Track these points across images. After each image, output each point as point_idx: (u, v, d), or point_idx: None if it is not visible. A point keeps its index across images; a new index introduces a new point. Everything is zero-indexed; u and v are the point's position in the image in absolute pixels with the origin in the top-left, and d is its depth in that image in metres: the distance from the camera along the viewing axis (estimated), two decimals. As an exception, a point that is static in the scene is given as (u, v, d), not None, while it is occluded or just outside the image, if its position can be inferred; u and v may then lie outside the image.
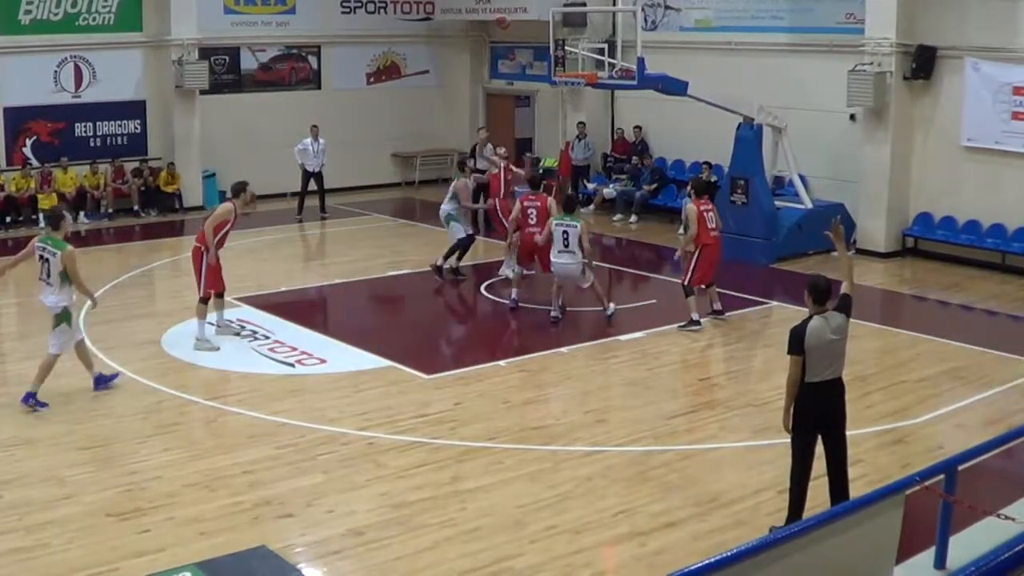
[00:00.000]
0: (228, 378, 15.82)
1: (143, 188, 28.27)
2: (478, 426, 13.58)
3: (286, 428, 13.61)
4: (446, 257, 21.14)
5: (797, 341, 10.27)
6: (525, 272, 19.66)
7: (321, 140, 27.66)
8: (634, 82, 23.05)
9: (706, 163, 25.89)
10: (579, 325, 18.56)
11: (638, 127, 28.78)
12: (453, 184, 21.41)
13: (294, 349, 16.86)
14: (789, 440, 10.57)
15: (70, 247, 14.29)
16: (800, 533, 7.93)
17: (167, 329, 17.96)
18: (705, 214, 18.26)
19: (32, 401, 14.23)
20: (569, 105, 29.95)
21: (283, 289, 20.79)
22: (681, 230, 21.86)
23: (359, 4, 32.27)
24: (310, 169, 27.65)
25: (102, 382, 14.98)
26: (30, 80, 27.42)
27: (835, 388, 10.38)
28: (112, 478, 12.16)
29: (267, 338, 17.44)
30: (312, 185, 27.77)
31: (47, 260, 14.20)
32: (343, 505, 11.46)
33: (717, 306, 18.70)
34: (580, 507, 11.31)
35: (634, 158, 28.35)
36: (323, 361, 16.41)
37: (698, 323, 18.00)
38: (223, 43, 29.95)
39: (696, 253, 18.27)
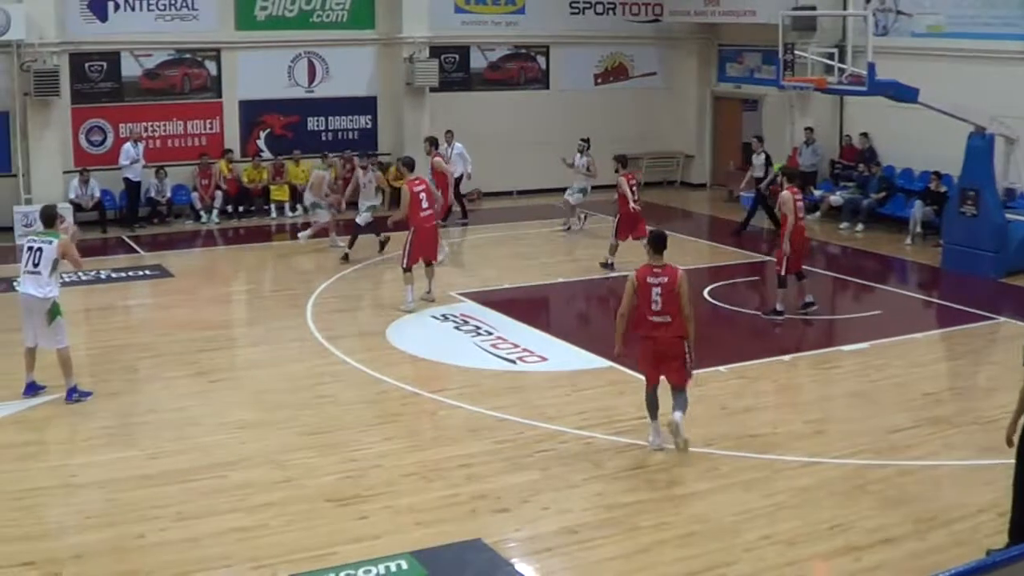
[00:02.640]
0: (451, 372, 16.16)
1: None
2: (696, 431, 13.49)
3: (505, 424, 13.85)
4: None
5: None
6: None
7: (457, 144, 27.24)
8: (864, 88, 22.74)
9: (935, 172, 25.39)
10: (801, 334, 18.41)
11: (864, 134, 28.34)
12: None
13: (516, 346, 17.12)
14: (1014, 459, 10.38)
15: (65, 236, 14.73)
16: (1020, 557, 7.77)
17: (393, 321, 18.41)
18: (420, 194, 18.95)
19: (76, 395, 14.50)
20: (797, 110, 29.60)
21: (506, 286, 21.09)
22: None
23: (588, 5, 32.45)
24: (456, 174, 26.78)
25: (32, 390, 14.70)
26: (265, 75, 28.47)
27: None
28: (333, 464, 12.57)
29: (490, 334, 17.74)
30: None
31: (39, 250, 14.35)
32: (558, 503, 11.60)
33: (431, 295, 19.44)
34: (795, 518, 11.25)
35: (861, 165, 27.90)
36: (544, 359, 16.63)
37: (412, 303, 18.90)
38: (453, 42, 30.49)
39: (410, 235, 19.08)
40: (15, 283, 19.44)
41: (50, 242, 14.32)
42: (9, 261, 22.40)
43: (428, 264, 19.44)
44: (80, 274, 19.77)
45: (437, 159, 23.10)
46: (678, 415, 12.72)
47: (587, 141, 26.42)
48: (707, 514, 11.33)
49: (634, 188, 22.36)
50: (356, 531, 10.90)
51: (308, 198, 24.19)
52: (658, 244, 12.91)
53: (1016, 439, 10.26)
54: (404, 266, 19.02)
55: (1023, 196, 23.19)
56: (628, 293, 12.84)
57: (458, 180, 26.79)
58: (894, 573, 10.08)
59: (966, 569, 7.31)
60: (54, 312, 14.35)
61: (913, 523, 11.12)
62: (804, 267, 19.18)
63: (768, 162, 27.41)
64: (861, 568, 10.26)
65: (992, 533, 10.79)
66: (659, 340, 12.76)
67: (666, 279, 12.66)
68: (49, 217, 14.83)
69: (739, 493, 11.87)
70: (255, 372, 16.30)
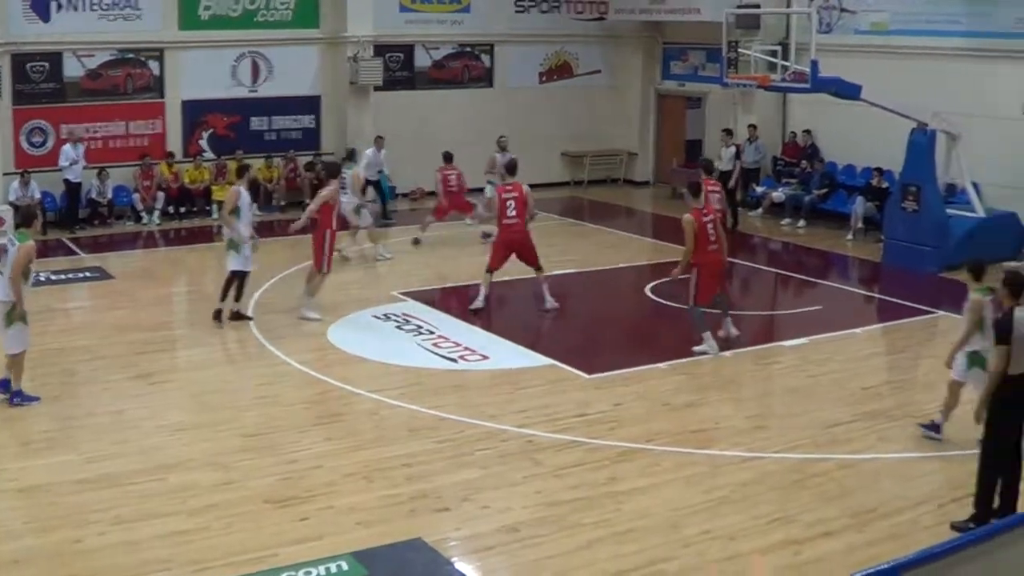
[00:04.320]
0: (391, 371, 16.07)
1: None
2: (637, 427, 13.64)
3: (446, 423, 13.85)
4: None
5: (1005, 331, 10.30)
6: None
7: (383, 151, 27.07)
8: (807, 85, 22.88)
9: (877, 169, 25.55)
10: (742, 329, 18.46)
11: (807, 131, 28.48)
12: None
13: (457, 345, 17.10)
14: (978, 440, 10.74)
15: (31, 242, 14.09)
16: (984, 538, 7.61)
17: (334, 321, 18.35)
18: (507, 200, 19.00)
19: (18, 400, 14.21)
20: (740, 107, 29.71)
21: (448, 285, 21.07)
22: None
23: (533, 3, 32.47)
24: (371, 178, 26.38)
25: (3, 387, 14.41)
26: (208, 75, 28.24)
27: None
28: (273, 465, 12.53)
29: (431, 333, 17.72)
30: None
31: (5, 251, 14.18)
32: (499, 501, 11.63)
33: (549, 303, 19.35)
34: (736, 513, 11.32)
35: (803, 162, 28.04)
36: (485, 357, 16.62)
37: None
38: (398, 40, 30.42)
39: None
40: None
41: (14, 243, 14.08)
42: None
43: (537, 269, 19.33)
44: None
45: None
46: (729, 320, 17.15)
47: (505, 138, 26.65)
48: (648, 510, 11.37)
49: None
50: (297, 532, 10.87)
51: (350, 201, 22.07)
52: (695, 189, 16.93)
53: (985, 415, 10.44)
54: (487, 266, 19.15)
55: (963, 192, 23.36)
56: (690, 235, 16.25)
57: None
58: (834, 566, 10.14)
59: (936, 551, 7.24)
60: (11, 316, 14.04)
61: (852, 516, 11.22)
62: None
63: (737, 155, 27.52)
64: (801, 561, 10.34)
65: (932, 525, 10.94)
66: (719, 262, 16.68)
67: (713, 216, 16.75)
68: (24, 216, 14.56)
69: (680, 488, 11.94)
70: (195, 374, 16.18)
